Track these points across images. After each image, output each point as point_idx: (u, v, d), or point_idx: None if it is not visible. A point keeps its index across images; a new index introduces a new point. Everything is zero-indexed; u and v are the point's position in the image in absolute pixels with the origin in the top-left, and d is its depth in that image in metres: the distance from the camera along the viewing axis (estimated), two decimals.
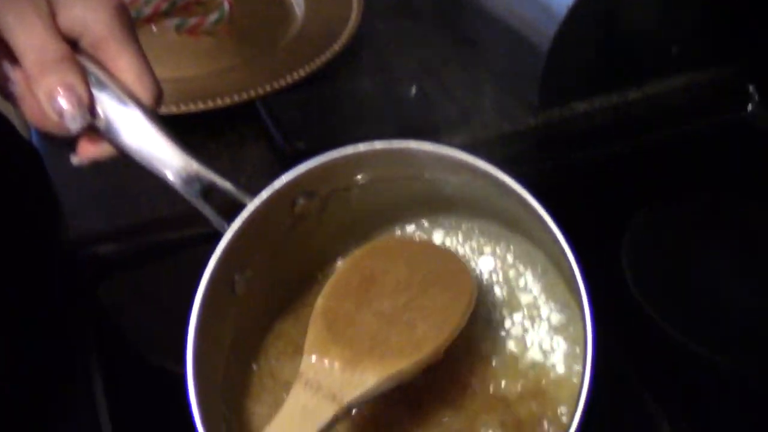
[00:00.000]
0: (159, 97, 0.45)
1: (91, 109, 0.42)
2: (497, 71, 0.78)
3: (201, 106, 0.73)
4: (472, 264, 0.52)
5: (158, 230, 0.67)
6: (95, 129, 0.44)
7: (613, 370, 0.54)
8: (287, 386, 0.47)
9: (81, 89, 0.42)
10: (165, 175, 0.44)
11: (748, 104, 0.77)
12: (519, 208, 0.44)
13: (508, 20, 0.75)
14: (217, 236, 0.44)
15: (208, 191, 0.44)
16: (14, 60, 0.42)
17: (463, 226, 0.53)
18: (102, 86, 0.43)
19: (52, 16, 0.41)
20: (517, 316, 0.50)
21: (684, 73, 0.77)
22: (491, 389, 0.48)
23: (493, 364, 0.48)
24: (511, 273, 0.51)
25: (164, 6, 0.87)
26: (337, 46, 0.81)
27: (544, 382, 0.47)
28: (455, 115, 0.73)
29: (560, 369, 0.48)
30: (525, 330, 0.50)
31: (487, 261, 0.52)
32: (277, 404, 0.47)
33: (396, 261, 0.47)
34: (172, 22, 0.86)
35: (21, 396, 0.52)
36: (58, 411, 0.54)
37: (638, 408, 0.56)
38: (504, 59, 0.77)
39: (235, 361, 0.46)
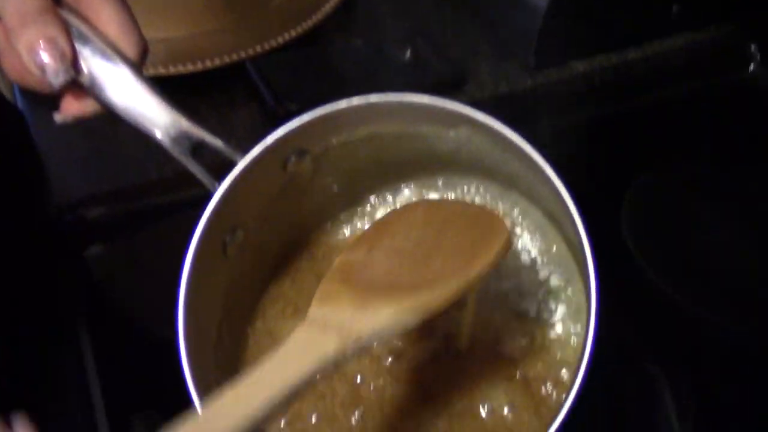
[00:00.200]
0: (144, 52, 0.44)
1: (74, 63, 0.41)
2: (493, 32, 0.76)
3: (190, 67, 0.71)
4: None
5: (147, 194, 0.65)
6: (79, 85, 0.42)
7: (613, 334, 0.53)
8: None
9: (63, 42, 0.40)
10: (153, 132, 0.43)
11: (749, 64, 0.76)
12: (519, 164, 0.43)
13: None
14: (207, 200, 0.43)
15: (198, 149, 0.43)
16: None
17: (461, 187, 0.52)
18: (85, 40, 0.41)
19: None
20: (517, 278, 0.49)
21: (684, 33, 0.76)
22: (496, 349, 0.47)
23: (495, 324, 0.48)
24: (512, 232, 0.50)
25: None
26: (329, 7, 0.79)
27: (546, 342, 0.47)
28: (450, 76, 0.72)
29: (560, 330, 0.47)
30: (525, 292, 0.49)
31: None
32: None
33: (420, 218, 0.45)
34: None
35: (8, 363, 0.52)
36: (47, 377, 0.54)
37: (639, 371, 0.55)
38: (500, 19, 0.76)
39: (228, 325, 0.45)
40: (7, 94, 0.70)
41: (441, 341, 0.47)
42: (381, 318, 0.37)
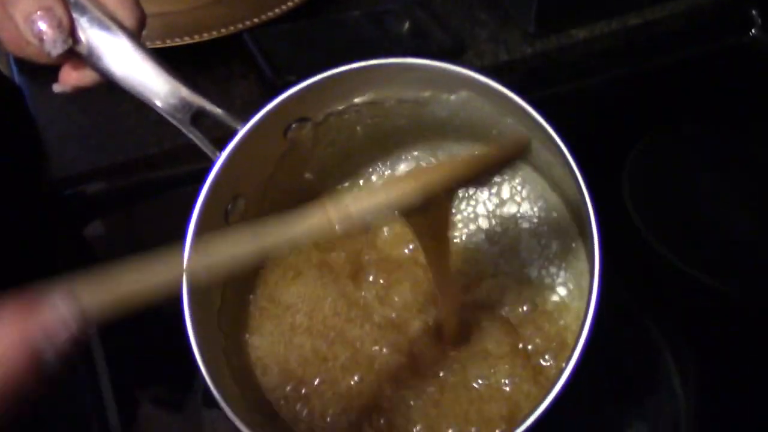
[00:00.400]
0: (142, 22, 0.43)
1: (72, 32, 0.41)
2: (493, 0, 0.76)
3: (187, 40, 0.71)
4: (471, 191, 0.51)
5: (146, 168, 0.65)
6: (77, 55, 0.42)
7: (614, 298, 0.53)
8: (289, 308, 0.46)
9: (60, 11, 0.40)
10: (153, 101, 0.43)
11: (750, 28, 0.75)
12: (520, 129, 0.42)
13: None
14: (207, 172, 0.42)
15: (198, 118, 0.43)
16: None
17: (462, 155, 0.51)
18: (83, 10, 0.41)
19: None
20: (517, 243, 0.49)
21: None
22: (500, 313, 0.47)
23: (495, 291, 0.48)
24: (512, 199, 0.50)
25: None
26: None
27: (548, 306, 0.47)
28: (450, 46, 0.72)
29: (563, 292, 0.47)
30: (526, 257, 0.49)
31: (488, 187, 0.51)
32: (277, 330, 0.46)
33: None
34: None
35: None
36: None
37: (640, 335, 0.55)
38: None
39: (232, 292, 0.45)
40: (4, 69, 0.69)
41: (442, 314, 0.47)
42: (376, 198, 0.38)
